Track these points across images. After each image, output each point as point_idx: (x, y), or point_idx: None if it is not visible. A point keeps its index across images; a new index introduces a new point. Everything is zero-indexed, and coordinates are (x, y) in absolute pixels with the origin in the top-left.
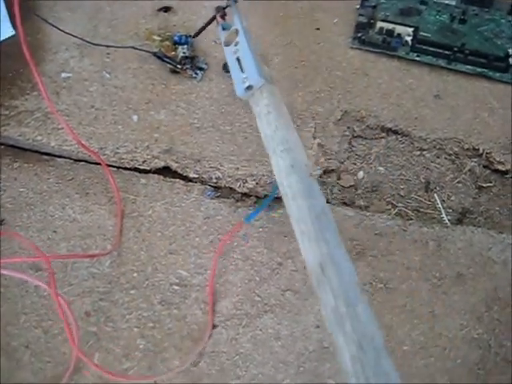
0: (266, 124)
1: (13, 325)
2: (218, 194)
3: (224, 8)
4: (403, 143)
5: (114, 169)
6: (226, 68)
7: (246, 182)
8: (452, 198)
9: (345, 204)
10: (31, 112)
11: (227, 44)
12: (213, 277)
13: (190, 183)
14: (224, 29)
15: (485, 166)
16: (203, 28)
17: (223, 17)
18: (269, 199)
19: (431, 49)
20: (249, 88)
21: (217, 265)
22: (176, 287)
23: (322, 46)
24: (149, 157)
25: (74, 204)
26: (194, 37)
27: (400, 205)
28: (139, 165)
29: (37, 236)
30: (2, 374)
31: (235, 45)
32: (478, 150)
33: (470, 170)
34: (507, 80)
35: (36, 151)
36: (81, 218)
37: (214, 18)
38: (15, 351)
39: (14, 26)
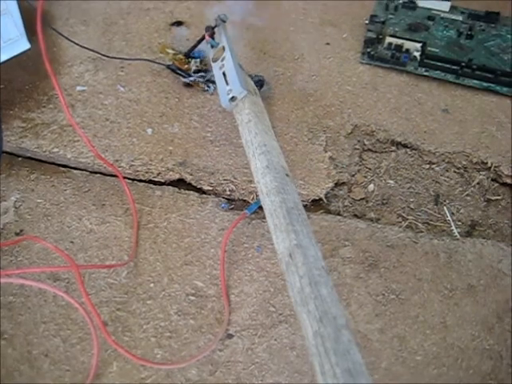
0: (247, 131)
1: (33, 334)
2: (232, 206)
3: (213, 28)
4: (412, 157)
5: (129, 181)
6: None
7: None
8: (461, 211)
9: (356, 216)
10: (47, 124)
11: (215, 60)
12: (223, 265)
13: (205, 195)
14: (212, 46)
15: (493, 180)
16: (194, 46)
17: (212, 35)
18: None
19: (439, 64)
20: (232, 99)
21: (225, 258)
22: (192, 298)
23: (332, 60)
24: (163, 169)
25: (90, 215)
26: (185, 55)
27: (410, 217)
28: (154, 177)
29: None
30: (24, 382)
31: (222, 60)
32: (487, 163)
33: (478, 183)
34: None
35: (53, 163)
36: (97, 228)
37: (203, 37)
38: (35, 360)
39: (30, 40)
